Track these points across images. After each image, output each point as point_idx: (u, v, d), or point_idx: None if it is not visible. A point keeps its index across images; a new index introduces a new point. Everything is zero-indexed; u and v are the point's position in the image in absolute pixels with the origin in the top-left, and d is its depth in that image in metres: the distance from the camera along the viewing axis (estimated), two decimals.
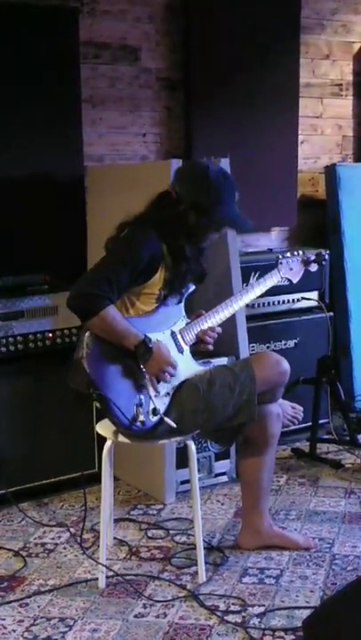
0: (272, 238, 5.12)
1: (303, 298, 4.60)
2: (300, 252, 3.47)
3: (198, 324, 3.14)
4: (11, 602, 2.98)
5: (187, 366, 3.09)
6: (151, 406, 2.96)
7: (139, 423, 2.92)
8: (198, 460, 3.70)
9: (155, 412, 2.97)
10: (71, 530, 3.53)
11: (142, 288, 2.98)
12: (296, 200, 5.04)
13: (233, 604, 2.95)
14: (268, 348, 4.45)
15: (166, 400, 3.02)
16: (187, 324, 3.14)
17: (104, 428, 3.12)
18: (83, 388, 2.90)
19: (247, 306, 3.59)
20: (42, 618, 2.87)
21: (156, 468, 3.79)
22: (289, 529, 3.50)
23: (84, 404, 3.14)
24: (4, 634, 2.77)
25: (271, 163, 4.82)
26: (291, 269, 3.40)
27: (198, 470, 3.37)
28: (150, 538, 3.48)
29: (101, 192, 4.11)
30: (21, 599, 3.00)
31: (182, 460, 3.58)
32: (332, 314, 4.69)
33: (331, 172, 4.92)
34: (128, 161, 4.47)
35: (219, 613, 2.88)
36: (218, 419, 3.06)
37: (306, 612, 2.80)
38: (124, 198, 3.72)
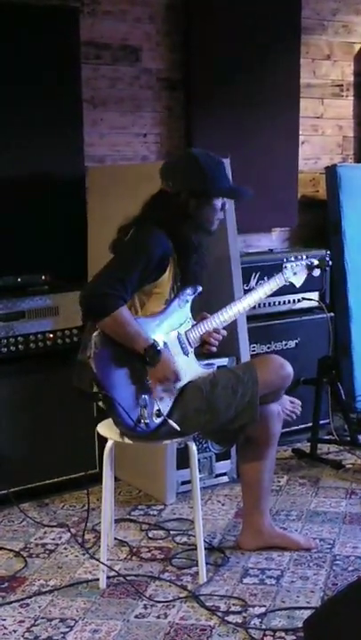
0: (273, 239, 5.12)
1: (304, 298, 4.60)
2: (305, 257, 3.48)
3: (203, 326, 3.15)
4: (11, 602, 2.98)
5: (190, 368, 3.10)
6: (155, 408, 2.97)
7: (143, 424, 2.93)
8: (199, 460, 3.69)
9: (158, 413, 2.97)
10: (72, 530, 3.53)
11: (153, 287, 2.99)
12: (297, 200, 5.04)
13: (234, 604, 2.95)
14: (268, 348, 4.45)
15: (170, 402, 3.03)
16: (192, 326, 3.14)
17: (106, 428, 3.12)
18: (87, 387, 2.91)
19: None
20: (42, 618, 2.87)
21: (157, 468, 3.79)
22: (290, 529, 3.50)
23: (88, 402, 3.15)
24: (4, 634, 2.77)
25: (272, 163, 4.82)
26: (295, 274, 3.43)
27: (199, 471, 3.36)
28: (151, 538, 3.48)
29: (102, 192, 4.11)
30: (22, 599, 3.00)
31: (183, 460, 3.58)
32: (332, 314, 4.70)
33: (331, 173, 4.92)
34: (129, 161, 4.47)
35: (219, 614, 2.87)
36: (220, 420, 3.06)
37: (307, 613, 2.79)
38: (124, 199, 3.72)
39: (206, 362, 3.24)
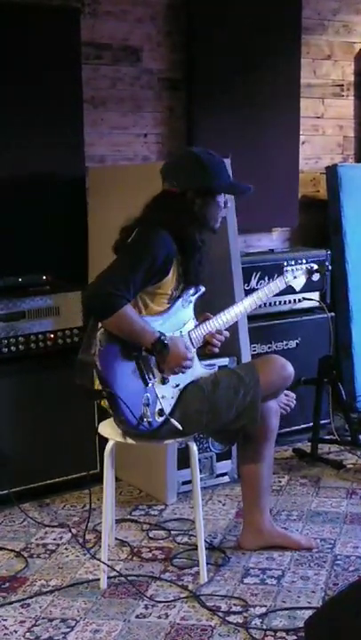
0: (273, 239, 5.12)
1: (305, 298, 4.60)
2: (305, 262, 3.51)
3: (206, 327, 3.16)
4: (12, 602, 2.98)
5: (193, 368, 3.10)
6: (158, 407, 2.98)
7: (146, 423, 2.93)
8: (200, 460, 3.69)
9: (161, 412, 2.98)
10: (73, 530, 3.53)
11: (156, 288, 3.00)
12: (297, 200, 5.04)
13: (235, 604, 2.95)
14: (269, 348, 4.45)
15: (172, 401, 3.03)
16: (195, 327, 3.15)
17: (107, 428, 3.12)
18: (90, 384, 2.92)
19: None
20: (43, 618, 2.88)
21: (158, 468, 3.79)
22: (290, 529, 3.50)
23: (90, 401, 3.17)
24: (5, 634, 2.77)
25: (272, 163, 4.82)
26: (295, 277, 3.44)
27: (200, 471, 3.37)
28: (152, 538, 3.48)
29: (103, 193, 4.11)
30: (23, 600, 3.00)
31: (184, 460, 3.58)
32: (333, 314, 4.70)
33: (332, 173, 4.92)
34: (129, 161, 4.47)
35: (220, 614, 2.88)
36: (221, 420, 3.07)
37: (308, 613, 2.79)
38: (125, 199, 3.72)
39: (207, 362, 3.25)
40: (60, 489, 3.89)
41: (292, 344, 4.56)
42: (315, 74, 5.17)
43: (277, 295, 3.92)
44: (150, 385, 2.96)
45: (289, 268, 3.43)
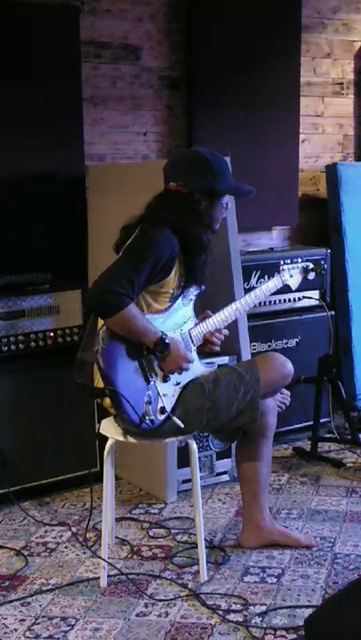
0: (273, 237, 5.11)
1: (304, 297, 4.60)
2: (300, 261, 3.51)
3: (206, 325, 3.16)
4: (12, 601, 2.98)
5: (193, 366, 3.11)
6: (160, 405, 2.98)
7: (148, 421, 2.94)
8: (200, 458, 3.69)
9: (162, 410, 2.98)
10: (73, 529, 3.54)
11: (158, 287, 3.00)
12: (297, 199, 5.04)
13: (235, 603, 2.95)
14: (269, 346, 4.45)
15: (173, 399, 3.04)
16: (195, 325, 3.15)
17: (107, 427, 3.13)
18: (90, 383, 2.92)
19: None
20: (43, 617, 2.88)
21: (158, 467, 3.79)
22: (290, 528, 3.50)
23: (91, 399, 3.18)
24: (5, 633, 2.78)
25: (272, 161, 4.82)
26: (291, 276, 3.44)
27: (200, 469, 3.37)
28: (152, 537, 3.48)
29: (102, 191, 4.11)
30: (23, 598, 3.00)
31: (184, 458, 3.58)
32: (333, 313, 4.70)
33: (332, 171, 4.91)
34: (129, 160, 4.47)
35: (220, 612, 2.88)
36: (222, 418, 3.08)
37: (308, 611, 2.80)
38: (125, 197, 3.73)
39: (207, 360, 3.25)
40: (60, 487, 3.89)
41: (292, 343, 4.56)
42: (315, 72, 5.17)
43: (277, 294, 3.94)
44: (152, 383, 2.97)
45: (285, 267, 3.43)
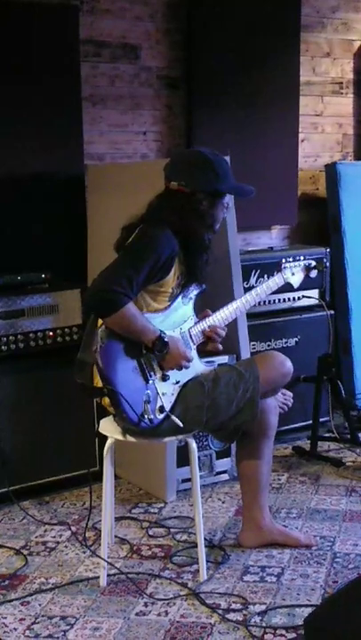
0: (273, 236, 5.11)
1: (304, 296, 4.60)
2: (302, 259, 3.50)
3: (205, 324, 3.16)
4: (12, 600, 2.98)
5: (193, 365, 3.11)
6: (159, 404, 2.98)
7: (147, 420, 2.94)
8: (199, 458, 3.70)
9: (161, 409, 2.98)
10: (72, 528, 3.54)
11: (158, 286, 3.00)
12: (297, 198, 5.04)
13: (234, 602, 2.95)
14: (268, 346, 4.45)
15: (172, 398, 3.04)
16: (195, 324, 3.15)
17: (107, 426, 3.12)
18: (89, 383, 2.92)
19: None
20: (43, 616, 2.88)
21: (157, 466, 3.79)
22: (290, 527, 3.50)
23: (90, 399, 3.18)
24: (5, 632, 2.78)
25: (272, 161, 4.82)
26: (293, 274, 3.44)
27: (199, 468, 3.37)
28: (151, 536, 3.48)
29: (102, 190, 4.11)
30: (23, 597, 3.00)
31: (183, 458, 3.58)
32: (332, 312, 4.70)
33: (331, 171, 4.91)
34: (129, 159, 4.47)
35: (220, 611, 2.88)
36: (221, 417, 3.07)
37: (307, 611, 2.80)
38: (124, 197, 3.73)
39: (206, 359, 3.25)
40: (60, 487, 3.89)
41: (292, 342, 4.56)
42: (314, 71, 5.17)
43: (277, 293, 3.94)
44: (151, 382, 2.97)
45: (287, 265, 3.43)
